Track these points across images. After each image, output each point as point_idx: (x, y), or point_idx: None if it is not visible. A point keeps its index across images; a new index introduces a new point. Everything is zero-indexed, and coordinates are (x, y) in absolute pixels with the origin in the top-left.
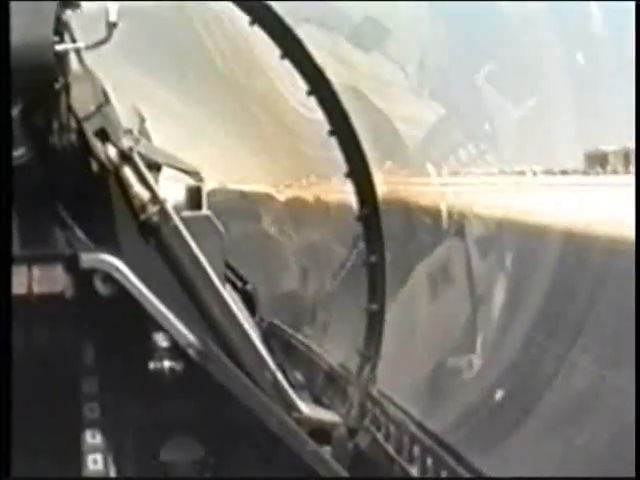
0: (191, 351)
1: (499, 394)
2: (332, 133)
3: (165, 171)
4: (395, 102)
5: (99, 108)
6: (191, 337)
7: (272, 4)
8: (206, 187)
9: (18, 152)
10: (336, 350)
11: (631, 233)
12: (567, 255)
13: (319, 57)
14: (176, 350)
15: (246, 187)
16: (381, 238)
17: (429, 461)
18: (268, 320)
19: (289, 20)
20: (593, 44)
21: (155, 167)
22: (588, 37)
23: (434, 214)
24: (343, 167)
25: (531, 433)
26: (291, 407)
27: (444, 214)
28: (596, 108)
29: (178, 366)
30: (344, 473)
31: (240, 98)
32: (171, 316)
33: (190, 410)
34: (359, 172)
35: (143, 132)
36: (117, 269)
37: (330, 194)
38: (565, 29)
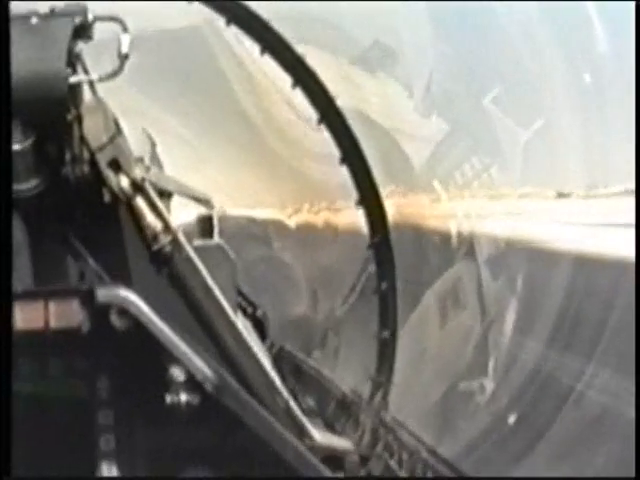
0: (207, 384)
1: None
2: (343, 161)
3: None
4: (402, 124)
5: (111, 139)
6: (207, 370)
7: (281, 29)
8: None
9: (31, 183)
10: (348, 376)
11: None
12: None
13: (327, 81)
14: (192, 383)
15: (255, 212)
16: (392, 265)
17: None
18: (279, 345)
19: (297, 44)
20: (598, 65)
21: (166, 195)
22: (593, 58)
23: (444, 235)
24: (352, 190)
25: (542, 458)
26: (303, 434)
27: (454, 235)
28: (603, 127)
29: (194, 399)
30: None
31: (249, 124)
32: (187, 349)
33: (205, 441)
34: (370, 200)
35: (154, 158)
36: (133, 303)
37: (340, 217)
38: (570, 51)
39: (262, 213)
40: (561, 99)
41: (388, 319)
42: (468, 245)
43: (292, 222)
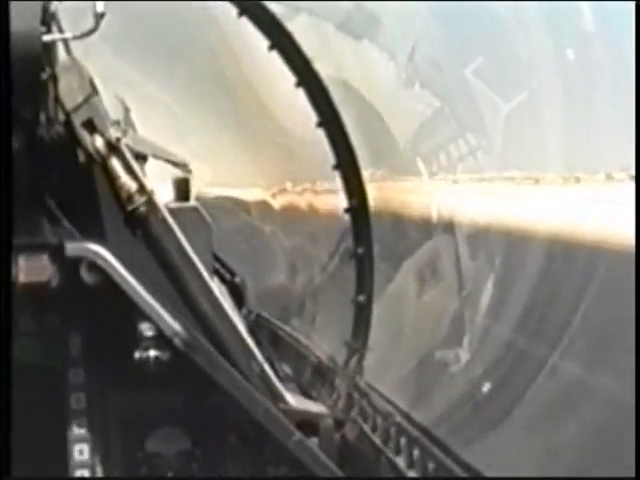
0: (177, 340)
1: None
2: (320, 124)
3: (153, 172)
4: (385, 94)
5: (87, 99)
6: (177, 326)
7: None
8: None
9: None
10: (324, 342)
11: (617, 234)
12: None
13: (308, 47)
14: (162, 339)
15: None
16: (369, 230)
17: (416, 452)
18: (256, 312)
19: (278, 10)
20: (583, 40)
21: (142, 158)
22: (578, 33)
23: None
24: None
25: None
26: (278, 398)
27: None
28: (586, 104)
29: (164, 356)
30: (330, 464)
31: (230, 92)
32: (157, 305)
33: (176, 400)
34: (347, 164)
35: (128, 123)
36: (102, 258)
37: (320, 191)
38: (556, 25)
39: (245, 193)
40: (544, 74)
41: (364, 283)
42: (447, 221)
43: (276, 202)
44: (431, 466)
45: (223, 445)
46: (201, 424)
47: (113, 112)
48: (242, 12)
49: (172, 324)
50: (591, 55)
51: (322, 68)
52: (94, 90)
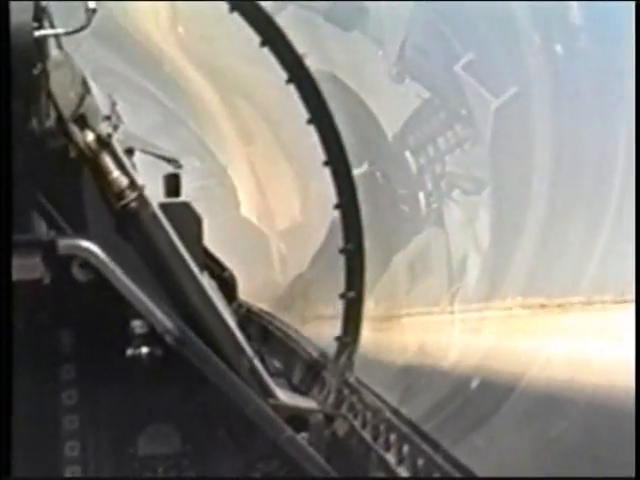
0: (168, 337)
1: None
2: (310, 121)
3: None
4: (374, 86)
5: (78, 95)
6: (168, 323)
7: None
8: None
9: None
10: (316, 338)
11: None
12: None
13: (297, 39)
14: (153, 336)
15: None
16: (359, 225)
17: (405, 448)
18: (246, 307)
19: (267, 4)
20: (571, 34)
21: (130, 152)
22: (567, 27)
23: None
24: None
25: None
26: (268, 393)
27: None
28: (574, 100)
29: (156, 352)
30: (320, 460)
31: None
32: (148, 302)
33: (167, 397)
34: (337, 160)
35: (115, 116)
36: (94, 255)
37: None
38: (544, 19)
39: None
40: (533, 69)
41: (354, 279)
42: (437, 213)
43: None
44: (420, 462)
45: (213, 440)
46: (191, 419)
47: (101, 105)
48: (233, 9)
49: (164, 321)
50: (579, 48)
51: (311, 62)
52: (85, 85)
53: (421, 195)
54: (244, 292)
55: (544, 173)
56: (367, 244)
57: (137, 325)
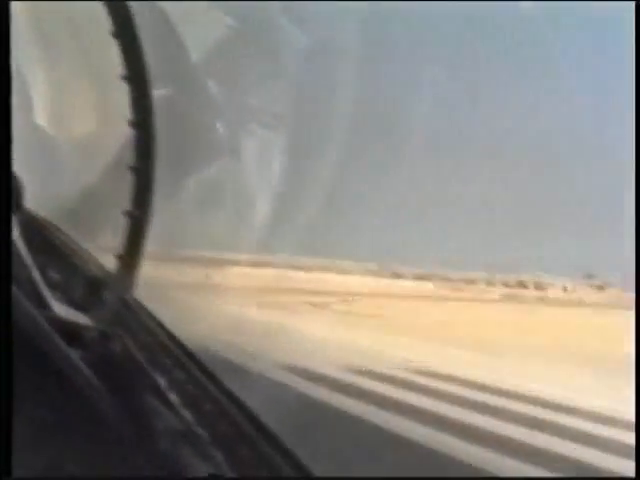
0: None
1: None
2: (115, 35)
3: None
4: (186, 11)
5: None
6: None
7: None
8: None
9: None
10: (100, 254)
11: None
12: None
13: None
14: None
15: None
16: (152, 144)
17: (179, 374)
18: (32, 216)
19: None
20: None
21: None
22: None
23: None
24: None
25: None
26: (42, 304)
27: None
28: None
29: None
30: (92, 377)
31: None
32: None
33: None
34: (136, 76)
35: None
36: None
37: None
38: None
39: None
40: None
41: (141, 197)
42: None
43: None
44: (190, 388)
45: None
46: None
47: None
48: None
49: None
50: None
51: None
52: None
53: (219, 125)
54: (31, 202)
55: (345, 119)
56: (158, 167)
57: None
